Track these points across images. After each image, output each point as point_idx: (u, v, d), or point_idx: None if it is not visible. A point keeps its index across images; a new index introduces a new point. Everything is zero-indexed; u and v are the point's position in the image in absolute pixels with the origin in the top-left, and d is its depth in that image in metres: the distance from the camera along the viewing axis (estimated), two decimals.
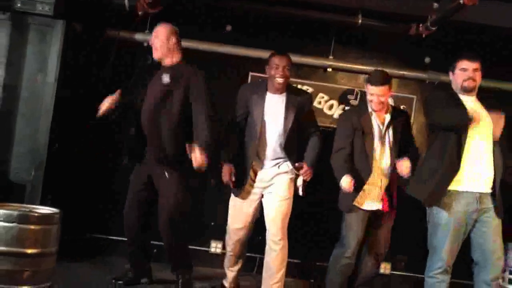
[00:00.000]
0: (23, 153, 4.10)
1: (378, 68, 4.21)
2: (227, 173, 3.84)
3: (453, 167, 3.53)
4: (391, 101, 4.93)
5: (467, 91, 3.63)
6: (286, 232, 3.85)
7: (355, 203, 3.81)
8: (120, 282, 4.01)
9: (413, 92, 5.05)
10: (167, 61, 3.91)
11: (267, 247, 3.86)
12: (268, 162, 3.88)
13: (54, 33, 4.15)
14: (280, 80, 3.81)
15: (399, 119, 3.98)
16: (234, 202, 3.95)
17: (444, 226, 3.58)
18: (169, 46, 3.87)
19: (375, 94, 3.83)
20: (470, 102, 3.62)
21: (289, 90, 3.93)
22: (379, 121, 3.91)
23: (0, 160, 4.07)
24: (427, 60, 4.98)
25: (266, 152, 3.87)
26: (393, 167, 3.83)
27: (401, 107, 4.83)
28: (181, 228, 3.88)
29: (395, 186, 3.96)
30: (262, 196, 3.91)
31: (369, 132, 3.87)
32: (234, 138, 3.96)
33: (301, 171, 3.84)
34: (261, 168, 3.88)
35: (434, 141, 3.66)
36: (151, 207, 3.94)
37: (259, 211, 3.95)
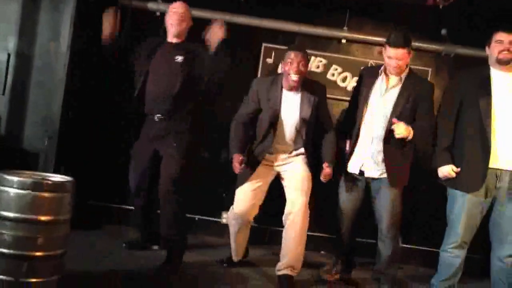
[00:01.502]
0: (36, 121, 4.11)
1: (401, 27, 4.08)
2: (236, 163, 3.77)
3: (484, 147, 3.52)
4: None
5: (502, 63, 3.57)
6: (307, 205, 3.79)
7: None
8: (131, 246, 4.12)
9: (429, 65, 4.98)
10: (179, 38, 3.93)
11: (287, 220, 3.79)
12: (283, 152, 3.88)
13: (67, 1, 4.12)
14: (294, 77, 3.72)
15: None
16: (241, 185, 3.90)
17: (461, 201, 3.57)
18: (188, 25, 3.94)
19: (393, 57, 3.70)
20: (505, 79, 3.55)
21: (305, 85, 3.83)
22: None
23: (13, 129, 4.09)
24: (443, 32, 4.88)
25: (280, 148, 3.87)
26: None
27: None
28: (182, 198, 3.88)
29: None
30: (276, 175, 3.91)
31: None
32: (243, 131, 3.93)
33: (322, 176, 3.80)
34: (275, 157, 3.89)
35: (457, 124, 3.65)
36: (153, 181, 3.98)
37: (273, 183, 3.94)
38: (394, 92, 3.79)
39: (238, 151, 3.83)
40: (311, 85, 3.91)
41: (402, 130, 3.66)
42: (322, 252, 4.89)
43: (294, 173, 3.84)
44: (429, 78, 4.94)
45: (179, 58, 3.85)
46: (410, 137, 3.71)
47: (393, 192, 3.80)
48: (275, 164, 3.89)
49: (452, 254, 3.64)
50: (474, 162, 3.58)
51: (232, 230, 4.03)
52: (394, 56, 3.69)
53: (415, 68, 4.89)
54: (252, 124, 3.97)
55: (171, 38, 3.96)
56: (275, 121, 3.81)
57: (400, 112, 3.74)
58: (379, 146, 3.79)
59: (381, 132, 3.78)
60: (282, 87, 3.83)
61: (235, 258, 4.15)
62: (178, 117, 3.88)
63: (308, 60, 3.95)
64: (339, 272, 4.13)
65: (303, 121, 3.80)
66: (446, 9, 4.61)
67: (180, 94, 3.83)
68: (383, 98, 3.81)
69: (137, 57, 3.99)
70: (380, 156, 3.79)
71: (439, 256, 3.74)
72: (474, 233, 3.65)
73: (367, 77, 3.95)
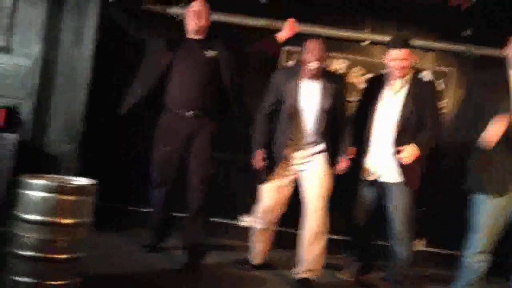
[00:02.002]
0: (59, 125, 4.18)
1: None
2: (258, 158, 3.80)
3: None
4: (429, 75, 4.85)
5: None
6: (326, 207, 3.79)
7: None
8: (148, 249, 4.16)
9: (452, 66, 4.91)
10: (200, 34, 3.97)
11: (306, 222, 3.78)
12: (304, 147, 3.84)
13: (90, 7, 4.18)
14: (314, 65, 3.70)
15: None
16: (265, 183, 3.89)
17: (488, 205, 3.52)
18: (207, 22, 3.99)
19: (397, 58, 3.74)
20: None
21: (324, 75, 3.80)
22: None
23: (37, 133, 4.16)
24: (467, 32, 4.82)
25: (300, 139, 3.82)
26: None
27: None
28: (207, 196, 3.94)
29: None
30: (297, 174, 3.88)
31: None
32: (267, 126, 3.91)
33: (337, 169, 3.80)
34: (297, 151, 3.84)
35: None
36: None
37: (293, 188, 3.92)
38: (400, 97, 3.81)
39: (260, 147, 3.84)
40: (330, 75, 3.91)
41: (409, 154, 3.69)
42: (341, 255, 4.86)
43: (313, 175, 3.81)
44: (453, 79, 4.88)
45: (208, 53, 3.91)
46: (418, 154, 3.73)
47: (405, 194, 3.80)
48: (296, 162, 3.86)
49: (476, 260, 3.59)
50: (502, 165, 3.54)
51: (254, 230, 4.02)
52: (396, 57, 3.75)
53: (439, 69, 4.87)
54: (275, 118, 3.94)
55: (192, 35, 3.99)
56: (294, 111, 3.78)
57: (407, 115, 3.76)
58: (390, 150, 3.79)
59: (390, 137, 3.79)
60: (301, 77, 3.80)
61: (254, 261, 4.12)
62: (209, 114, 3.92)
63: (327, 54, 3.91)
64: (356, 275, 4.11)
65: (323, 111, 3.76)
66: (469, 10, 4.56)
67: (211, 90, 3.89)
68: (389, 103, 3.83)
69: (152, 52, 4.03)
70: (391, 160, 3.78)
71: (462, 261, 3.68)
72: (499, 236, 3.59)
73: (373, 84, 4.02)
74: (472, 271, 3.62)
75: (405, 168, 3.76)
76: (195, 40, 3.98)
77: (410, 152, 3.70)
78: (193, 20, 3.95)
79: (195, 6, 4.00)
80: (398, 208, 3.83)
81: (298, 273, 3.80)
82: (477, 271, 3.60)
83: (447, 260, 4.78)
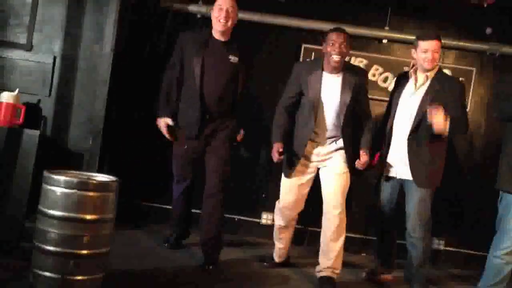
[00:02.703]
0: (81, 122, 4.20)
1: None
2: (275, 151, 3.72)
3: None
4: (449, 74, 4.81)
5: None
6: (345, 205, 3.77)
7: None
8: (169, 245, 4.19)
9: (473, 64, 4.88)
10: (226, 36, 3.86)
11: (325, 221, 3.77)
12: (324, 141, 3.80)
13: (110, 4, 4.19)
14: (336, 58, 3.64)
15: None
16: (286, 179, 3.87)
17: None
18: (234, 21, 3.86)
19: (429, 49, 3.71)
20: None
21: (346, 69, 3.76)
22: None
23: (59, 129, 4.19)
24: (488, 30, 4.78)
25: (321, 132, 3.78)
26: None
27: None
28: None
29: None
30: (317, 171, 3.85)
31: None
32: (287, 118, 3.87)
33: (359, 164, 3.71)
34: (316, 147, 3.81)
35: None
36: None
37: (313, 185, 3.90)
38: (421, 92, 3.78)
39: (279, 140, 3.78)
40: (352, 68, 3.86)
41: (440, 118, 3.54)
42: (363, 254, 4.85)
43: (332, 172, 3.78)
44: (473, 78, 4.84)
45: (233, 59, 3.84)
46: (446, 132, 3.61)
47: (421, 192, 3.75)
48: (315, 159, 3.83)
49: (504, 260, 3.56)
50: None
51: (277, 226, 4.01)
52: (429, 48, 3.71)
53: (460, 68, 4.83)
54: (295, 111, 3.91)
55: (218, 36, 3.85)
56: (316, 104, 3.73)
57: (425, 110, 3.68)
58: (406, 147, 3.77)
59: (408, 132, 3.76)
60: (323, 70, 3.76)
61: (277, 259, 4.13)
62: (229, 116, 3.91)
63: (351, 44, 3.83)
64: (375, 273, 4.09)
65: (344, 104, 3.72)
66: (490, 8, 4.52)
67: (233, 94, 3.87)
68: (411, 98, 3.81)
69: (183, 49, 3.89)
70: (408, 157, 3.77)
71: (489, 261, 3.65)
72: None
73: (399, 81, 3.99)
74: (497, 271, 3.59)
75: (420, 164, 3.71)
76: (221, 42, 3.85)
77: (441, 116, 3.55)
78: (221, 20, 3.78)
79: (223, 4, 3.80)
80: (412, 206, 3.79)
81: (320, 271, 3.79)
82: (502, 272, 3.57)
83: (468, 260, 4.77)
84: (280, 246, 4.07)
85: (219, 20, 3.78)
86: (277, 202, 3.97)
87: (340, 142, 3.80)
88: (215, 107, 3.83)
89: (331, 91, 3.73)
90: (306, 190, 3.88)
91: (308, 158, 3.82)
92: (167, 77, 3.97)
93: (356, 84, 3.74)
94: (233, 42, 3.89)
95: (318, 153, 3.81)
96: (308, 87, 3.75)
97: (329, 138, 3.79)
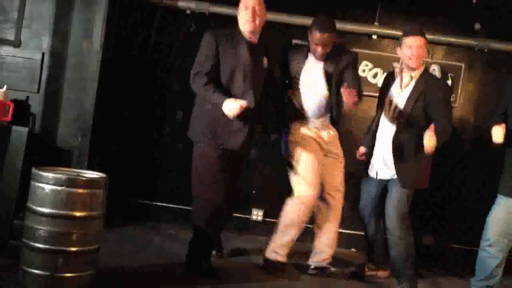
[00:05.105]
0: (70, 119, 4.18)
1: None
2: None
3: None
4: (437, 70, 4.83)
5: None
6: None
7: None
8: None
9: (461, 60, 4.90)
10: (256, 36, 3.59)
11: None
12: (314, 120, 3.86)
13: (99, 0, 4.17)
14: (320, 51, 3.72)
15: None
16: (298, 157, 3.80)
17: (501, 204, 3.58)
18: (263, 20, 3.59)
19: (414, 45, 3.68)
20: None
21: (332, 54, 3.77)
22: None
23: (48, 126, 4.16)
24: (477, 26, 4.80)
25: (309, 112, 3.84)
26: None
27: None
28: None
29: None
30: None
31: None
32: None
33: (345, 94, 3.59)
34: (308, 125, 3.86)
35: None
36: None
37: None
38: (406, 93, 3.76)
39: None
40: (338, 52, 3.83)
41: (432, 143, 3.52)
42: (353, 249, 4.88)
43: (334, 167, 3.91)
44: (462, 74, 4.86)
45: (265, 64, 3.66)
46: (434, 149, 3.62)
47: (399, 192, 3.74)
48: (323, 143, 3.89)
49: (487, 253, 3.60)
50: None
51: (299, 219, 3.83)
52: (413, 44, 3.68)
53: (448, 64, 4.85)
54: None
55: (248, 36, 3.55)
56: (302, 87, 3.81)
57: (410, 111, 3.69)
58: (390, 146, 3.76)
59: (392, 133, 3.76)
60: (307, 56, 3.83)
61: (282, 258, 3.90)
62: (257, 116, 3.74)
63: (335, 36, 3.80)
64: (364, 268, 4.10)
65: (329, 90, 3.79)
66: (480, 3, 4.54)
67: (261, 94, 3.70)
68: (397, 99, 3.78)
69: (216, 49, 3.49)
70: (391, 157, 3.76)
71: (478, 255, 3.70)
72: None
73: (387, 81, 3.99)
74: (484, 264, 3.61)
75: (403, 165, 3.71)
76: (253, 44, 3.57)
77: (430, 140, 3.53)
78: (250, 20, 3.49)
79: (252, 1, 3.51)
80: (391, 205, 3.78)
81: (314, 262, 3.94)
82: (490, 265, 3.59)
83: (460, 256, 4.80)
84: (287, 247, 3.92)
85: (247, 21, 3.50)
86: (293, 195, 3.84)
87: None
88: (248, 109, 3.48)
89: (316, 76, 3.80)
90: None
91: (316, 138, 3.91)
92: (205, 82, 3.46)
93: (342, 67, 3.79)
94: (262, 43, 3.65)
95: (323, 138, 3.92)
96: (294, 70, 3.84)
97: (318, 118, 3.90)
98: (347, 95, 3.53)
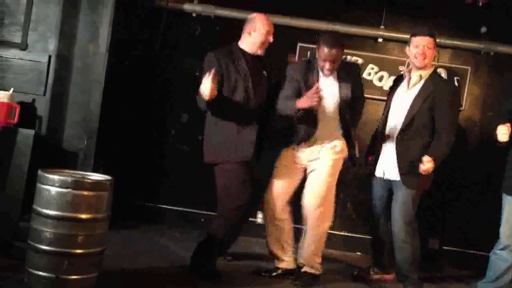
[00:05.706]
0: (76, 121, 4.19)
1: None
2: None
3: None
4: (444, 73, 4.82)
5: None
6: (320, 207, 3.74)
7: None
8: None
9: (467, 63, 4.89)
10: (263, 52, 3.75)
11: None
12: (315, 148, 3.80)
13: (105, 3, 4.19)
14: (328, 68, 3.66)
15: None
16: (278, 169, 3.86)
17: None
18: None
19: (421, 45, 3.68)
20: None
21: (340, 68, 3.75)
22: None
23: (54, 128, 4.17)
24: (483, 29, 4.79)
25: (321, 132, 3.77)
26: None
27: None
28: None
29: None
30: (306, 170, 3.84)
31: None
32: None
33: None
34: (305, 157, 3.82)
35: None
36: None
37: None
38: (414, 91, 3.76)
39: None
40: (345, 66, 3.87)
41: (427, 167, 3.59)
42: (358, 253, 4.86)
43: (317, 175, 3.76)
44: (468, 77, 4.85)
45: (265, 73, 3.76)
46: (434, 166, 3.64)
47: (405, 194, 3.73)
48: (305, 160, 3.82)
49: (497, 256, 3.60)
50: None
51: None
52: (420, 44, 3.69)
53: (455, 67, 4.84)
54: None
55: (255, 50, 3.71)
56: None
57: (416, 111, 3.69)
58: (394, 148, 3.76)
59: (398, 133, 3.76)
60: (318, 71, 3.76)
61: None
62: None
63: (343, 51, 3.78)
64: (368, 272, 4.08)
65: (343, 101, 3.74)
66: (486, 7, 4.53)
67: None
68: (403, 98, 3.79)
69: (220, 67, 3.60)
70: (395, 158, 3.76)
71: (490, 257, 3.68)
72: None
73: (396, 83, 3.99)
74: (493, 267, 3.62)
75: (407, 166, 3.69)
76: (254, 56, 3.72)
77: (427, 165, 3.61)
78: (266, 39, 3.71)
79: (269, 25, 3.74)
80: (397, 208, 3.77)
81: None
82: (499, 267, 3.59)
83: (467, 260, 4.78)
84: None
85: (263, 39, 3.70)
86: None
87: (335, 142, 3.82)
88: (256, 116, 3.69)
89: (329, 90, 3.74)
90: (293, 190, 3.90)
91: (296, 159, 3.86)
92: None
93: (352, 80, 3.77)
94: (262, 57, 3.79)
95: (308, 153, 3.83)
96: (305, 88, 3.73)
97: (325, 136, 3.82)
98: (310, 96, 3.58)
